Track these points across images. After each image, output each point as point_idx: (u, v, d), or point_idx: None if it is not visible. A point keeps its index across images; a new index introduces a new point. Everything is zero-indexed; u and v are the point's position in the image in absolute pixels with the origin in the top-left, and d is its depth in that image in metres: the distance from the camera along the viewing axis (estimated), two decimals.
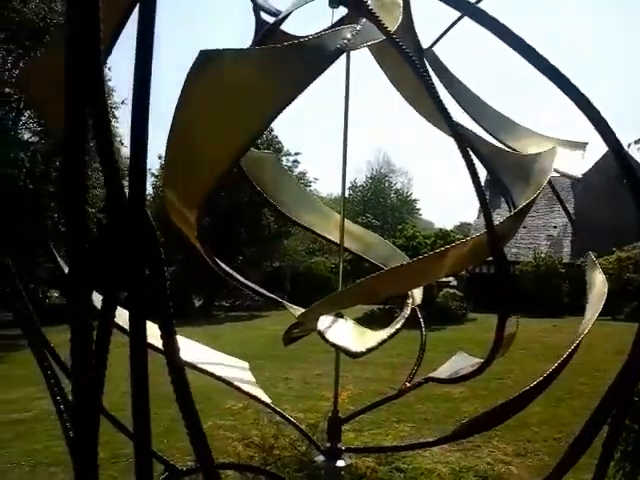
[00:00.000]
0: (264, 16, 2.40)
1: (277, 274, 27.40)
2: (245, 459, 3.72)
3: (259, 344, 14.07)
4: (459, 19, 2.08)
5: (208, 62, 1.24)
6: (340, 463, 2.03)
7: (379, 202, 54.56)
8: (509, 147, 2.09)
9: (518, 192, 2.26)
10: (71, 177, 0.73)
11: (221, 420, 6.22)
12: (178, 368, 0.92)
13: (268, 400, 1.82)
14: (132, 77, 0.94)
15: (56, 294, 27.50)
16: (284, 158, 32.64)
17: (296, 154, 33.85)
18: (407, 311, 2.32)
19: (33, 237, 17.26)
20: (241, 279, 2.35)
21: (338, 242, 2.66)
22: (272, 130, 31.04)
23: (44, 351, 1.75)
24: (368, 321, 11.95)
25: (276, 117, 1.17)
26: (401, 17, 1.80)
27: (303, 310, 2.67)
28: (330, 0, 2.15)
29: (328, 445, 2.01)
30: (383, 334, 1.97)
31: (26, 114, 18.75)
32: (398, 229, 25.30)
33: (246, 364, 1.99)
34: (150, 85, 0.95)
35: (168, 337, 0.92)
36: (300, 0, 2.31)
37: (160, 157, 31.74)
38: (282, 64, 1.32)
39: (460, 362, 2.10)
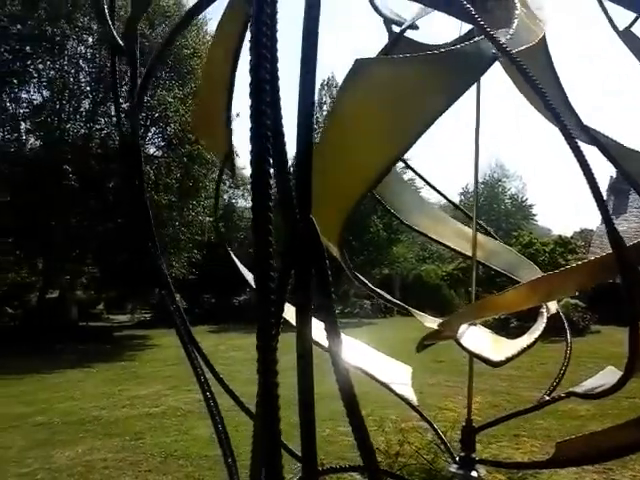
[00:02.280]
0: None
1: (386, 281, 27.31)
2: None
3: None
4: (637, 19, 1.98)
5: (364, 69, 1.26)
6: (474, 474, 1.98)
7: (492, 208, 52.56)
8: None
9: None
10: (259, 188, 0.79)
11: (343, 427, 6.31)
12: (343, 368, 0.95)
13: (415, 402, 1.83)
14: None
15: (177, 297, 29.26)
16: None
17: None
18: (544, 321, 2.22)
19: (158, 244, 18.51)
20: (376, 289, 2.38)
21: (452, 246, 2.61)
22: None
23: (192, 349, 1.87)
24: None
25: (430, 125, 1.17)
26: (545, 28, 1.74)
27: (429, 317, 2.64)
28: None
29: (462, 454, 1.98)
30: (522, 343, 1.90)
31: (152, 130, 20.27)
32: (513, 236, 24.28)
33: (408, 368, 2.01)
34: (314, 97, 1.01)
35: (333, 336, 0.96)
36: (423, 10, 2.31)
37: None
38: (439, 71, 1.31)
39: (608, 377, 1.97)
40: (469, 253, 2.55)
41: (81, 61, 19.67)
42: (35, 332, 18.09)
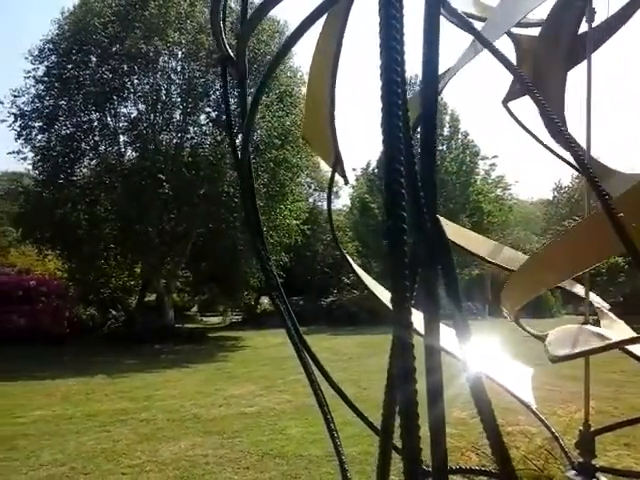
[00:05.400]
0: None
1: (477, 282, 26.59)
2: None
3: None
4: None
5: None
6: None
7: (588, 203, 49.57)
8: None
9: None
10: (393, 192, 0.80)
11: (448, 429, 6.19)
12: (475, 374, 0.94)
13: (534, 406, 1.77)
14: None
15: (266, 300, 30.08)
16: (481, 162, 31.61)
17: (494, 157, 32.61)
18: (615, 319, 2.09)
19: (254, 248, 19.12)
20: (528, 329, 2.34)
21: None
22: (467, 134, 30.37)
23: (302, 348, 1.90)
24: None
25: None
26: None
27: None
28: None
29: (580, 461, 1.88)
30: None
31: (240, 136, 20.92)
32: None
33: (529, 369, 1.96)
34: (436, 109, 1.00)
35: (463, 337, 0.94)
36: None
37: (354, 169, 32.73)
38: None
39: None
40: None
41: (172, 74, 20.69)
42: (136, 333, 19.17)
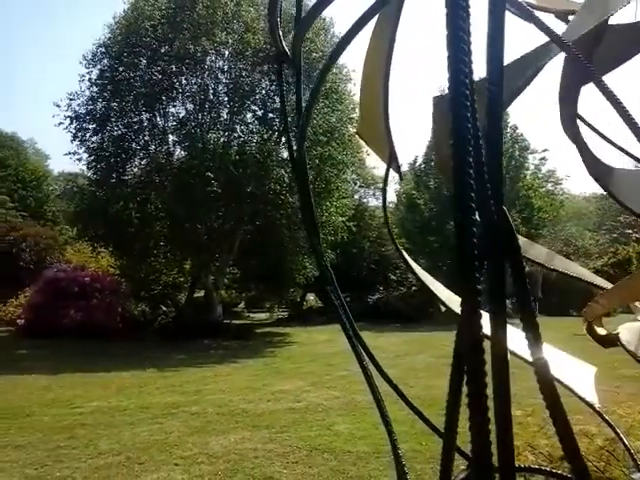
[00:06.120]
0: None
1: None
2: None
3: None
4: None
5: None
6: None
7: None
8: None
9: None
10: (461, 184, 0.79)
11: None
12: (546, 374, 0.91)
13: (597, 405, 1.72)
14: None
15: (312, 297, 30.25)
16: (530, 156, 30.81)
17: (544, 151, 31.73)
18: None
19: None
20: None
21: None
22: (517, 128, 29.66)
23: (357, 343, 1.90)
24: None
25: None
26: None
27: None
28: None
29: None
30: None
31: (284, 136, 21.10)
32: None
33: (592, 367, 1.90)
34: (502, 92, 0.98)
35: (533, 341, 0.92)
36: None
37: (400, 165, 32.56)
38: None
39: None
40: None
41: (219, 74, 21.01)
42: (185, 329, 19.59)
